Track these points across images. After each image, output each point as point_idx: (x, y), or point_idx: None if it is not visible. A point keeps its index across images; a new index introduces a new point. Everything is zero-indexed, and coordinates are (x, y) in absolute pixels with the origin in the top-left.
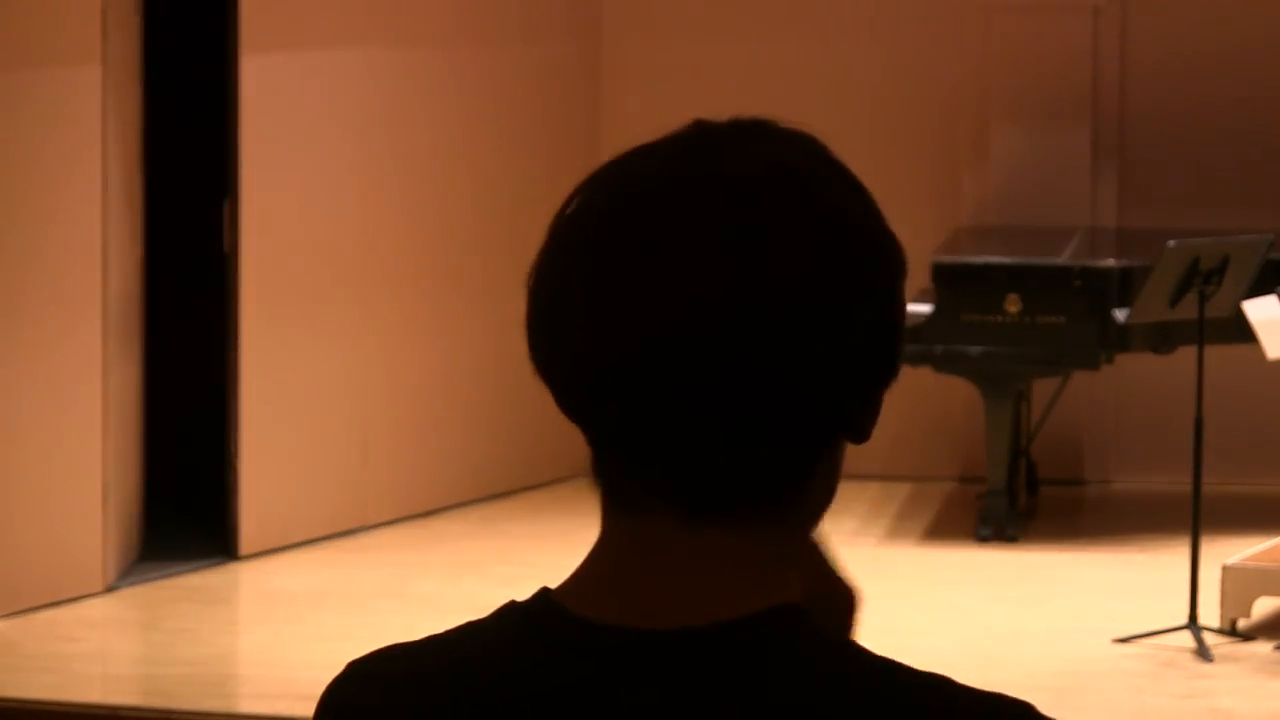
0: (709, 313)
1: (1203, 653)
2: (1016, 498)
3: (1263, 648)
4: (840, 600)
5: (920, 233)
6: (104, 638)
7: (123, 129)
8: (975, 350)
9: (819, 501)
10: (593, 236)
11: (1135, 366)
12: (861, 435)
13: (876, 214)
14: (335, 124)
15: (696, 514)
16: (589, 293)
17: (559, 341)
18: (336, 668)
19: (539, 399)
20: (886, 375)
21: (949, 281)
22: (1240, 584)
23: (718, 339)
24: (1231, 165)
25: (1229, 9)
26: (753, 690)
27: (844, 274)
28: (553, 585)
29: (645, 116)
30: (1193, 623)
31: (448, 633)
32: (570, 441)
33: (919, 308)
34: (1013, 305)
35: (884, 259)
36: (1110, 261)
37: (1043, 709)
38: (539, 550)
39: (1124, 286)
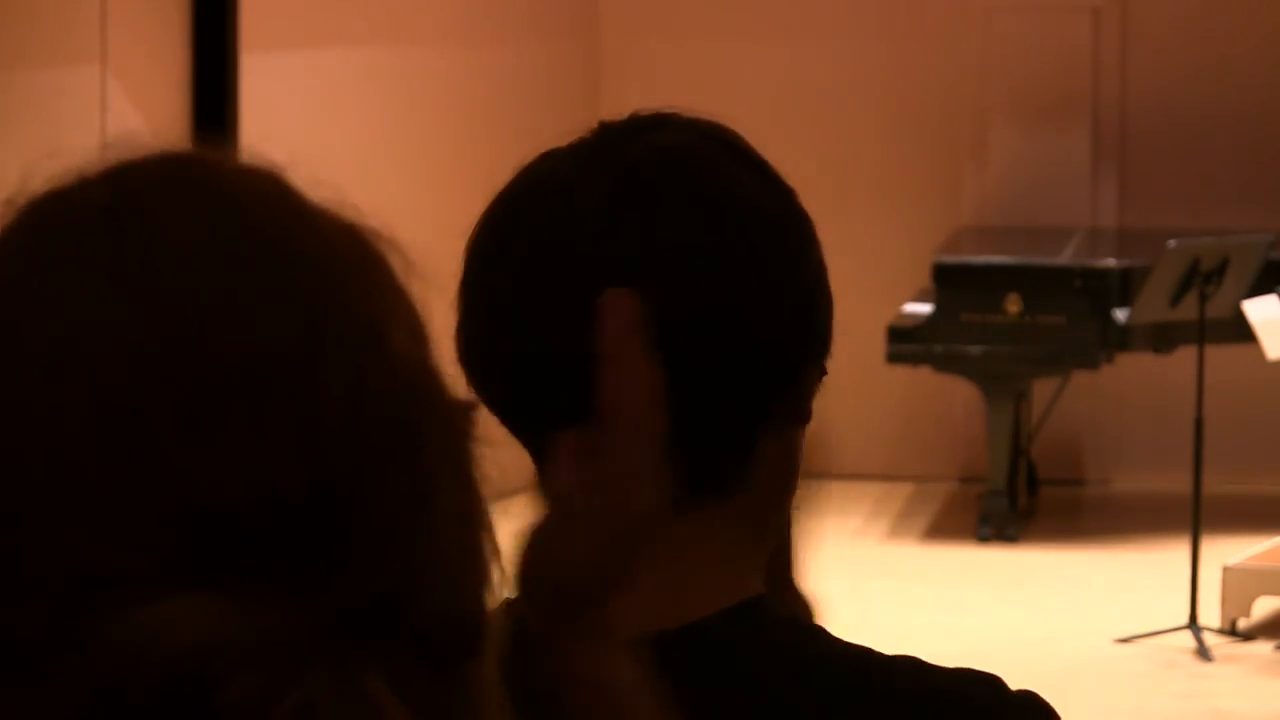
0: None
1: (1203, 653)
2: (1017, 498)
3: (1263, 648)
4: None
5: (920, 233)
6: None
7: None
8: (975, 350)
9: (772, 485)
10: (494, 249)
11: (1135, 366)
12: (795, 413)
13: (781, 193)
14: (335, 124)
15: None
16: (494, 306)
17: (482, 361)
18: None
19: None
20: (807, 351)
21: (949, 281)
22: (1240, 584)
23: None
24: (1231, 165)
25: (1229, 9)
26: (729, 689)
27: (738, 247)
28: None
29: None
30: (1193, 623)
31: None
32: None
33: (919, 307)
34: (1013, 305)
35: (782, 234)
36: (1110, 261)
37: None
38: None
39: (1124, 286)
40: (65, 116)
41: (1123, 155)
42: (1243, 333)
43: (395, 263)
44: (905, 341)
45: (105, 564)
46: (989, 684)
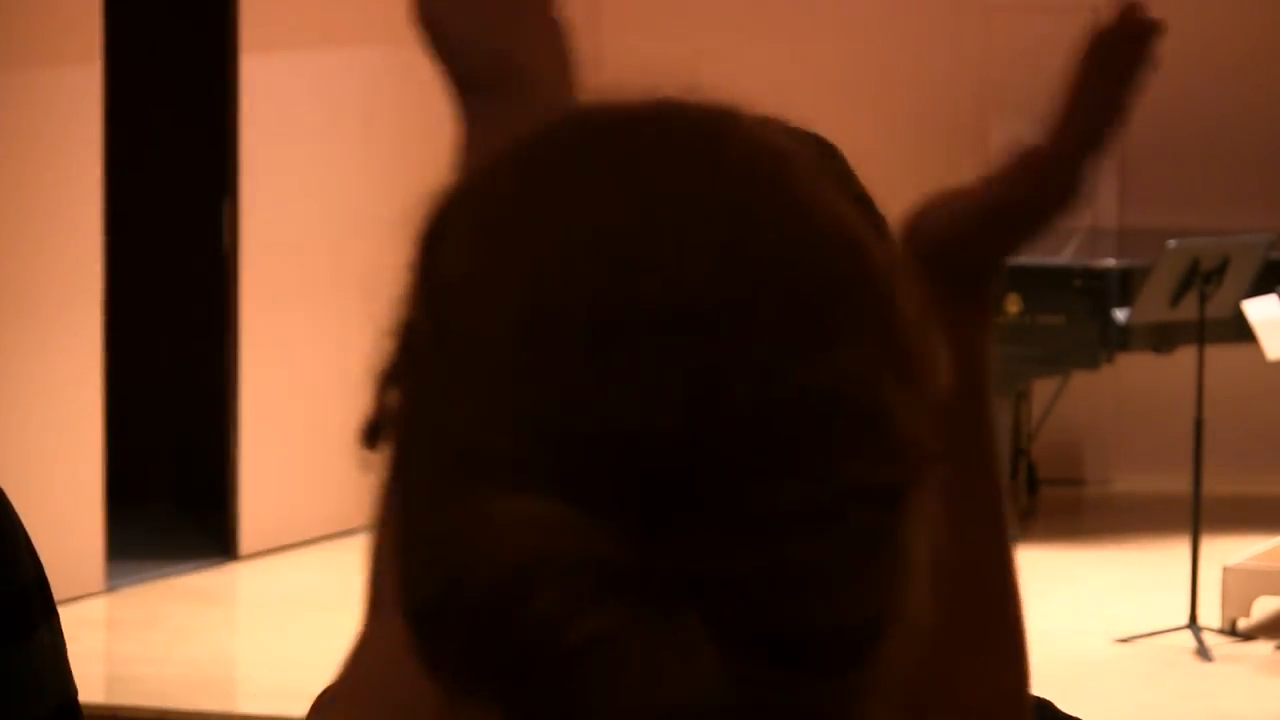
0: None
1: (1203, 653)
2: (1017, 497)
3: (1263, 648)
4: None
5: None
6: (104, 638)
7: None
8: None
9: None
10: None
11: (1135, 366)
12: None
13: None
14: (335, 124)
15: None
16: None
17: None
18: (336, 668)
19: None
20: None
21: None
22: (1241, 584)
23: None
24: (1232, 165)
25: (1229, 9)
26: None
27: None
28: None
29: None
30: (1193, 623)
31: None
32: None
33: None
34: (1013, 305)
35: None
36: (1110, 261)
37: None
38: None
39: (1124, 286)
40: (65, 116)
41: (1123, 155)
42: (1243, 333)
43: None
44: None
45: (490, 449)
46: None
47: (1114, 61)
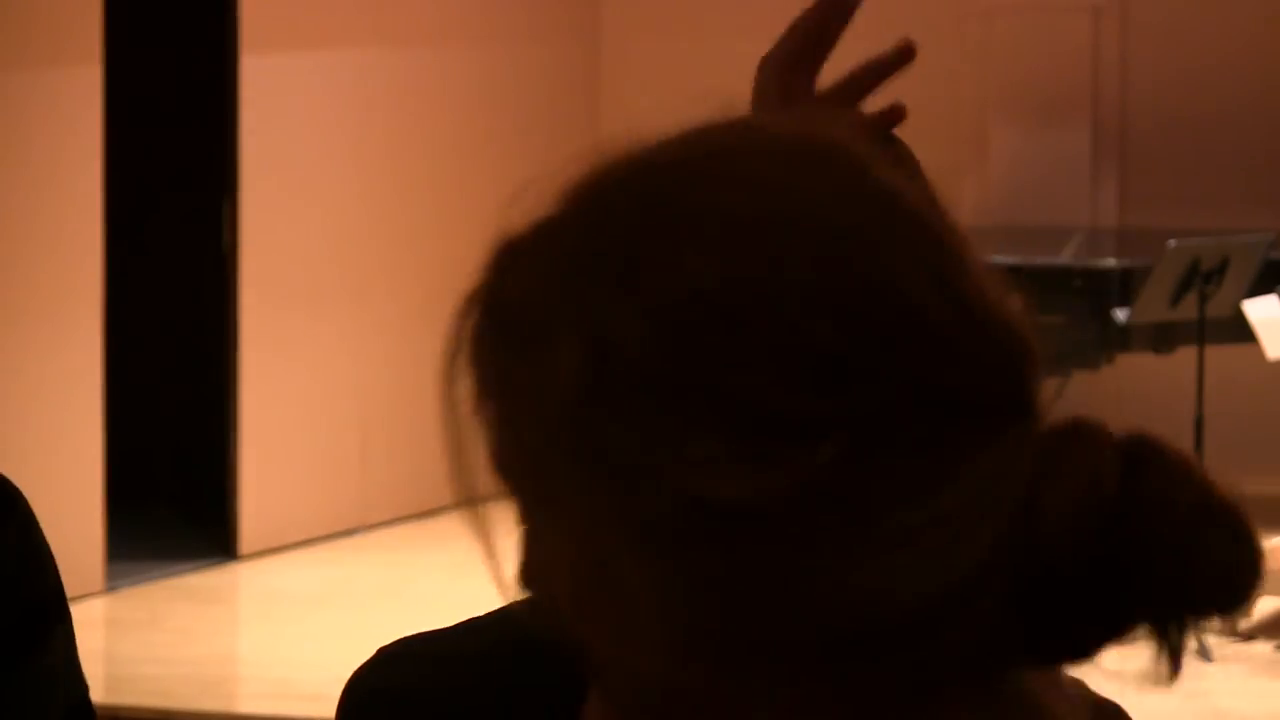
0: None
1: (1203, 653)
2: None
3: (1263, 648)
4: None
5: None
6: (104, 638)
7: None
8: None
9: None
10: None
11: (1135, 366)
12: None
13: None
14: (335, 123)
15: None
16: None
17: None
18: (336, 668)
19: None
20: None
21: None
22: None
23: None
24: (1232, 165)
25: (1228, 8)
26: None
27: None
28: None
29: (645, 116)
30: None
31: (480, 618)
32: None
33: None
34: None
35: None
36: (1110, 261)
37: None
38: None
39: (1124, 286)
40: (65, 116)
41: (1123, 155)
42: (1243, 333)
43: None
44: None
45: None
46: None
47: None
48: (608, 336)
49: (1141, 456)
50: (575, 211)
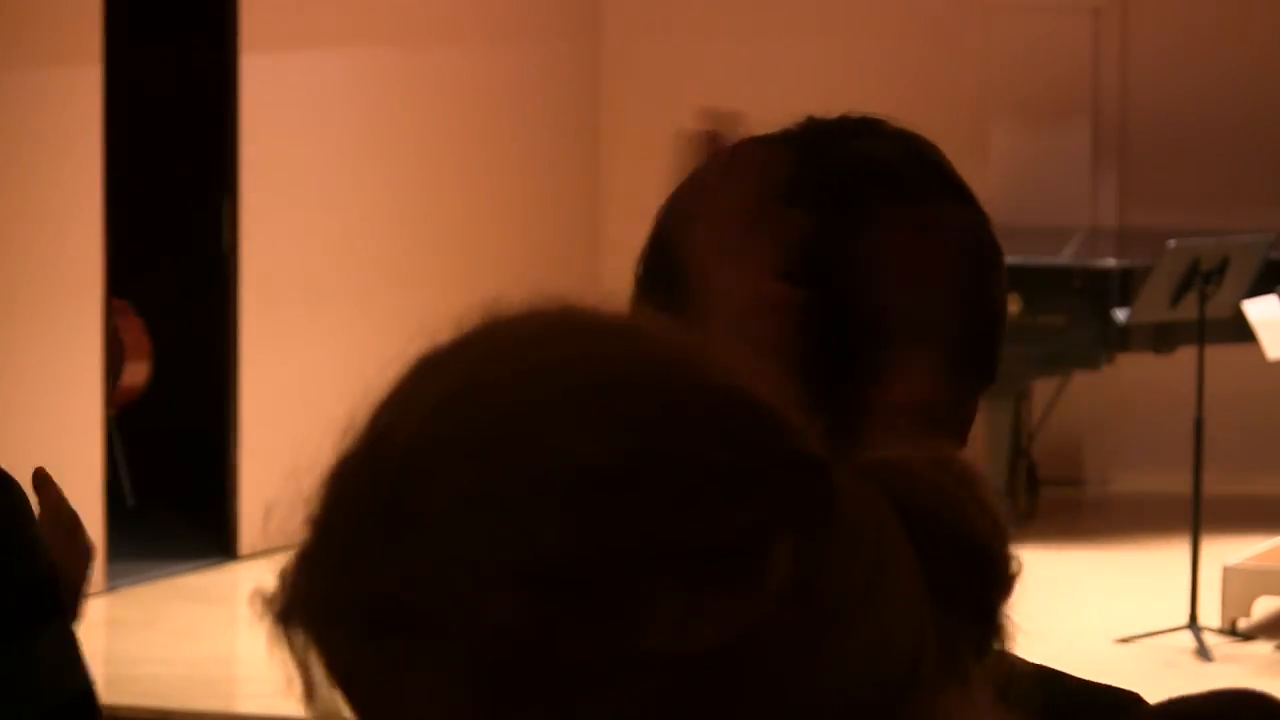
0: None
1: (1203, 653)
2: (1017, 498)
3: (1263, 647)
4: None
5: None
6: (104, 638)
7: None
8: None
9: None
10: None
11: (1136, 367)
12: (956, 437)
13: (978, 217)
14: (334, 123)
15: None
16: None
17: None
18: None
19: None
20: (982, 376)
21: None
22: (1241, 584)
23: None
24: (1232, 165)
25: (1229, 10)
26: None
27: (932, 269)
28: None
29: (645, 116)
30: (1193, 623)
31: None
32: None
33: None
34: (1013, 305)
35: (976, 260)
36: (1110, 261)
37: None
38: None
39: (1124, 286)
40: (65, 116)
41: (1123, 155)
42: (1243, 333)
43: None
44: None
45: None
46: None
47: None
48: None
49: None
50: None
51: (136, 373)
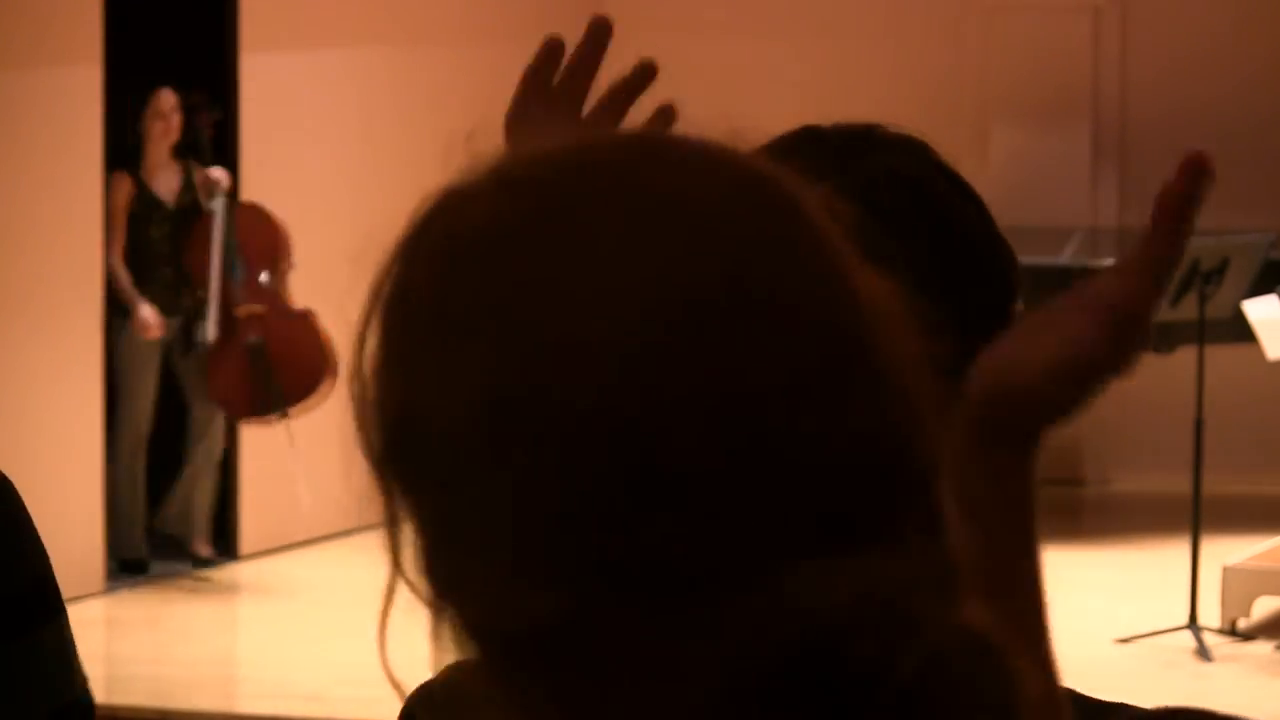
0: None
1: (1203, 653)
2: None
3: (1263, 647)
4: None
5: None
6: (104, 638)
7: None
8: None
9: None
10: None
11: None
12: None
13: (989, 223)
14: (335, 123)
15: None
16: None
17: None
18: (336, 668)
19: None
20: None
21: None
22: (1240, 584)
23: None
24: (1232, 165)
25: (1228, 9)
26: None
27: (956, 283)
28: None
29: (644, 117)
30: (1193, 623)
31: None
32: None
33: None
34: None
35: (993, 266)
36: (1110, 261)
37: None
38: None
39: None
40: (65, 116)
41: (1123, 155)
42: (1243, 333)
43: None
44: None
45: (732, 543)
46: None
47: (1180, 213)
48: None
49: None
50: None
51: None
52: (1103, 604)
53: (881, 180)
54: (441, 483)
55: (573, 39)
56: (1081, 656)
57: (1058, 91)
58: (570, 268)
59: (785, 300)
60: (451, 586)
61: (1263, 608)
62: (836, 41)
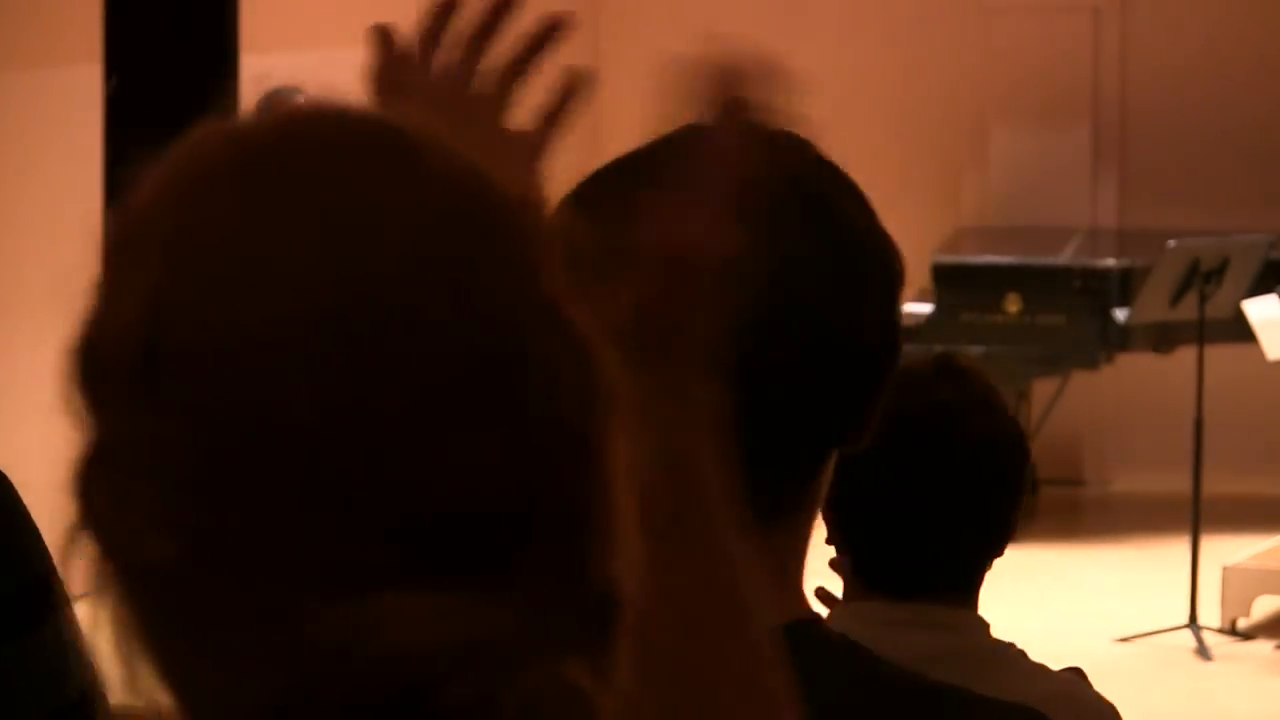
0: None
1: (1203, 652)
2: None
3: (1263, 647)
4: None
5: (920, 233)
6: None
7: None
8: (975, 350)
9: (817, 504)
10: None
11: (1135, 366)
12: (860, 439)
13: (875, 219)
14: None
15: None
16: None
17: None
18: None
19: None
20: (887, 378)
21: (949, 281)
22: (1240, 584)
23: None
24: (1232, 165)
25: (1228, 9)
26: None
27: (848, 279)
28: None
29: (641, 115)
30: (1193, 622)
31: None
32: None
33: (919, 307)
34: (1013, 305)
35: (880, 263)
36: (1110, 261)
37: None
38: None
39: (1124, 286)
40: (65, 116)
41: (1123, 155)
42: (1243, 333)
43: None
44: (905, 341)
45: (320, 555)
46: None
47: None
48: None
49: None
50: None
51: None
52: (1103, 603)
53: (760, 176)
54: (99, 403)
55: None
56: (1081, 655)
57: (1058, 92)
58: (248, 239)
59: (433, 320)
60: (91, 510)
61: (1262, 607)
62: (836, 42)
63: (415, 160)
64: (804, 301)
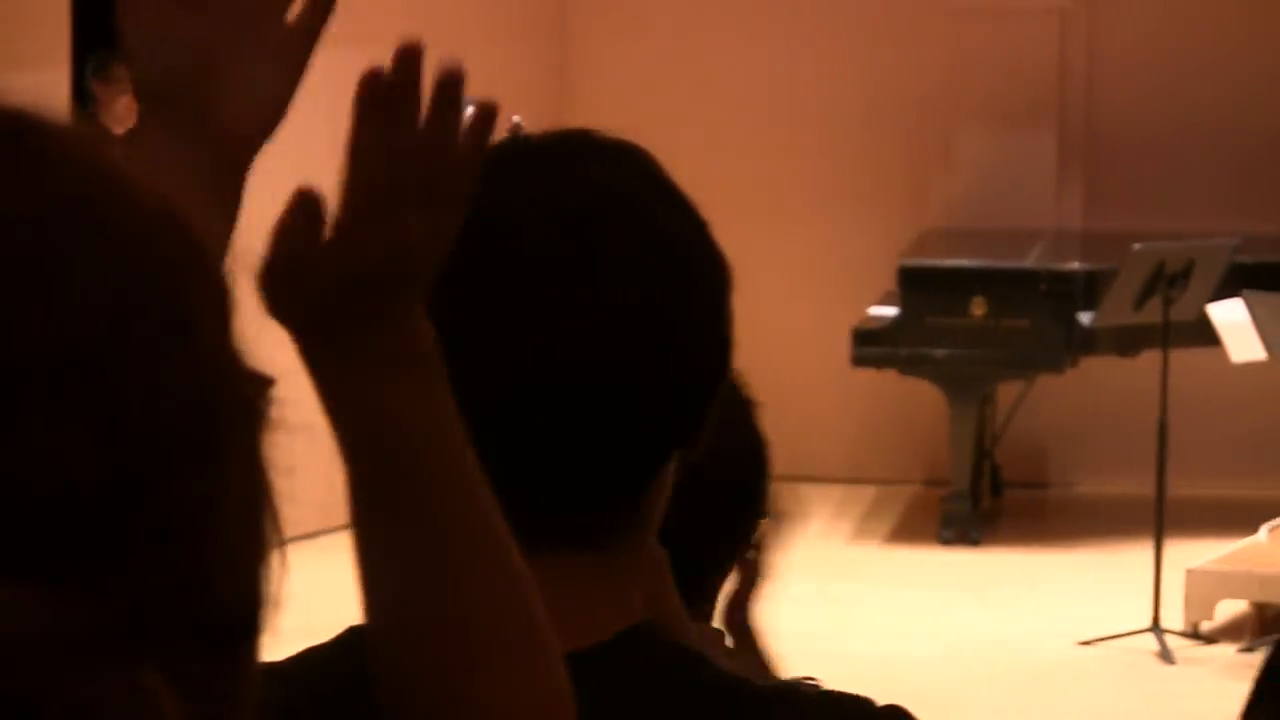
0: (546, 351)
1: (1166, 655)
2: (980, 500)
3: (1225, 650)
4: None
5: (886, 236)
6: None
7: None
8: (940, 353)
9: (656, 510)
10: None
11: (1100, 370)
12: (691, 451)
13: (699, 230)
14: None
15: (539, 541)
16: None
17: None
18: None
19: None
20: (716, 388)
21: (914, 284)
22: (1203, 587)
23: (560, 372)
24: (1197, 169)
25: (1194, 13)
26: (616, 710)
27: (675, 296)
28: None
29: (610, 117)
30: (1156, 625)
31: (287, 661)
32: None
33: (884, 311)
34: (978, 308)
35: (710, 276)
36: (1075, 265)
37: (1006, 711)
38: None
39: (1089, 290)
40: None
41: (1088, 158)
42: (1207, 336)
43: (210, 245)
44: (870, 344)
45: None
46: (861, 709)
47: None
48: None
49: None
50: None
51: None
52: (1066, 606)
53: (589, 192)
54: None
55: (536, 44)
56: (1045, 658)
57: (1024, 95)
58: None
59: (23, 314)
60: None
61: (1225, 611)
62: (802, 45)
63: (37, 153)
64: (624, 306)
